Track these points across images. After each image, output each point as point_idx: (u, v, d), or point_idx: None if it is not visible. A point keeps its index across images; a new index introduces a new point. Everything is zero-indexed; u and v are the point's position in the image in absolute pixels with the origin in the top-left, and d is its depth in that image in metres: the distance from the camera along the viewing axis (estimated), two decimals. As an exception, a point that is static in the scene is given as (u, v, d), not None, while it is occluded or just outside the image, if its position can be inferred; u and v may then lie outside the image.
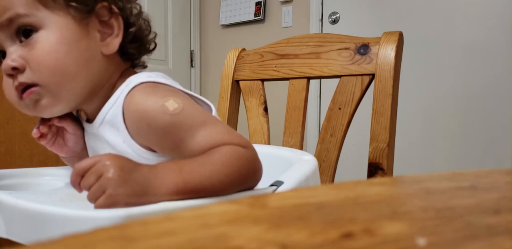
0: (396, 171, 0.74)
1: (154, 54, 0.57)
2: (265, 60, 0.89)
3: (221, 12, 2.82)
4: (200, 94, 0.67)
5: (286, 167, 0.49)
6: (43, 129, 0.52)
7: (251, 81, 0.91)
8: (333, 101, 0.77)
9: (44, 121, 0.52)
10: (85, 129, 0.54)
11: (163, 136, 0.43)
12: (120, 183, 0.35)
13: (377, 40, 0.75)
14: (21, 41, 0.45)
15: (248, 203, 0.20)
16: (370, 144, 0.71)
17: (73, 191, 0.38)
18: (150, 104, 0.43)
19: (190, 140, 0.42)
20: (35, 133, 0.52)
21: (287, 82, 0.86)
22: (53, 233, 0.33)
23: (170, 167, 0.38)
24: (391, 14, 2.13)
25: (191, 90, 0.55)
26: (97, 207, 0.35)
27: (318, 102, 2.38)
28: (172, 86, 0.47)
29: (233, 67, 0.93)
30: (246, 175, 0.40)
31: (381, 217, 0.18)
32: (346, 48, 0.78)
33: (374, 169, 0.70)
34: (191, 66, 2.96)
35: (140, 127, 0.45)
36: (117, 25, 0.49)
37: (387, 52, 0.72)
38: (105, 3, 0.48)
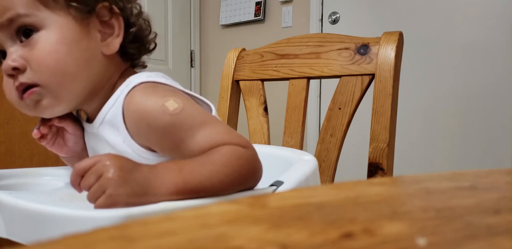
0: (396, 171, 0.74)
1: (154, 54, 0.57)
2: (265, 60, 0.89)
3: (221, 12, 2.82)
4: (200, 94, 0.67)
5: (286, 167, 0.49)
6: (44, 129, 0.52)
7: (251, 81, 0.91)
8: (333, 101, 0.77)
9: (44, 121, 0.52)
10: (85, 129, 0.53)
11: (163, 136, 0.43)
12: (120, 183, 0.35)
13: (377, 40, 0.75)
14: (21, 41, 0.45)
15: (248, 203, 0.20)
16: (370, 144, 0.71)
17: (73, 191, 0.38)
18: (150, 104, 0.43)
19: (190, 140, 0.42)
20: (35, 133, 0.52)
21: (287, 82, 0.86)
22: (53, 233, 0.33)
23: (170, 167, 0.38)
24: (391, 14, 2.13)
25: (191, 90, 0.55)
26: (97, 207, 0.35)
27: (318, 102, 2.38)
28: (172, 86, 0.47)
29: (233, 67, 0.93)
30: (246, 175, 0.40)
31: (381, 217, 0.18)
32: (346, 48, 0.78)
33: (374, 169, 0.70)
34: (191, 66, 2.96)
35: (140, 127, 0.45)
36: (118, 25, 0.49)
37: (387, 52, 0.72)
38: (106, 3, 0.48)
